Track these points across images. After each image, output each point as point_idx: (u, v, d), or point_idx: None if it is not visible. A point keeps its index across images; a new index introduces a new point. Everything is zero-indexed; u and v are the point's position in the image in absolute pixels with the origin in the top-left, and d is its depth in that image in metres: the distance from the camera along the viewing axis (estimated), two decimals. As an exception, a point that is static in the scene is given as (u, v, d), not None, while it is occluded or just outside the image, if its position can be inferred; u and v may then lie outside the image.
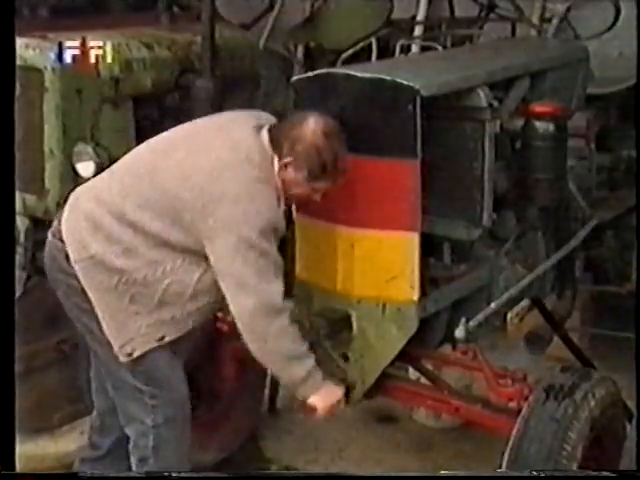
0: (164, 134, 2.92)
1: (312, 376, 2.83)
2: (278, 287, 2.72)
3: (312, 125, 2.72)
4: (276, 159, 2.75)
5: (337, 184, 2.79)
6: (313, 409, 2.90)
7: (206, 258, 2.73)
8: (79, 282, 2.78)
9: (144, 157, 2.88)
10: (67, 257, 2.80)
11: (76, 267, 2.78)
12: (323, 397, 2.87)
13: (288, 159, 2.73)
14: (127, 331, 2.77)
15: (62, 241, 2.83)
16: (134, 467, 2.95)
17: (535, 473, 2.67)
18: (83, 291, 2.79)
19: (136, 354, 2.79)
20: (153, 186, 2.75)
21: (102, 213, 2.78)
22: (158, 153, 2.84)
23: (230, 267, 2.69)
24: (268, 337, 2.74)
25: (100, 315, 2.78)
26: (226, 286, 2.72)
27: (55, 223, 2.91)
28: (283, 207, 2.77)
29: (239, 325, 2.75)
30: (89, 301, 2.78)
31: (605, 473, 2.78)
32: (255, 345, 2.77)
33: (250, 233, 2.65)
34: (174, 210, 2.71)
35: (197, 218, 2.68)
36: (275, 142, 2.76)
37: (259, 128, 2.80)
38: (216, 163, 2.71)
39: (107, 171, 2.96)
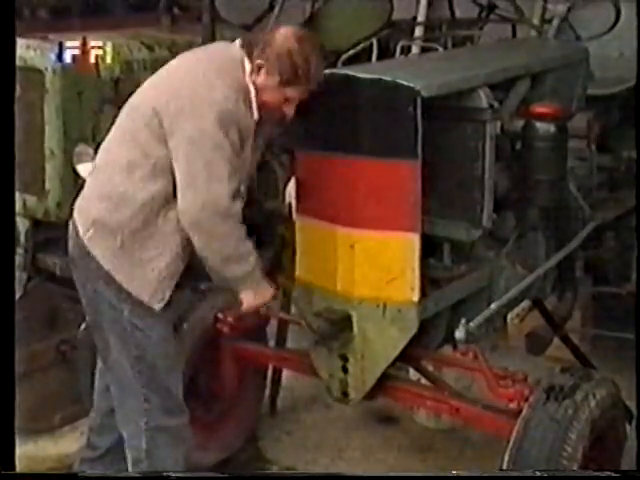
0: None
1: (249, 276, 2.82)
2: (228, 188, 2.68)
3: (284, 30, 2.78)
4: (247, 61, 2.77)
5: (308, 92, 2.79)
6: (239, 303, 2.91)
7: None
8: (93, 258, 2.79)
9: (130, 100, 2.93)
10: (78, 235, 2.84)
11: (85, 240, 2.81)
12: (253, 295, 2.87)
13: (259, 61, 2.75)
14: (149, 281, 2.78)
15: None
16: (130, 467, 2.95)
17: (539, 473, 2.67)
18: (99, 268, 2.79)
19: (167, 296, 2.80)
20: (132, 108, 2.84)
21: (95, 177, 2.87)
22: (143, 90, 2.90)
23: (182, 159, 2.69)
24: (211, 237, 2.72)
25: (119, 278, 2.78)
26: (178, 180, 2.70)
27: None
28: (256, 114, 2.77)
29: (183, 220, 2.72)
30: (109, 277, 2.78)
31: (606, 473, 2.77)
32: (198, 241, 2.74)
33: (204, 121, 2.66)
34: (149, 120, 2.73)
35: (164, 119, 2.71)
36: (247, 46, 2.79)
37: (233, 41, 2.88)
38: (182, 65, 2.84)
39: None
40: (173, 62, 2.94)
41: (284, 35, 2.76)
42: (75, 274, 2.92)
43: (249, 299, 2.87)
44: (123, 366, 2.86)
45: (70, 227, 2.91)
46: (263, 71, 2.75)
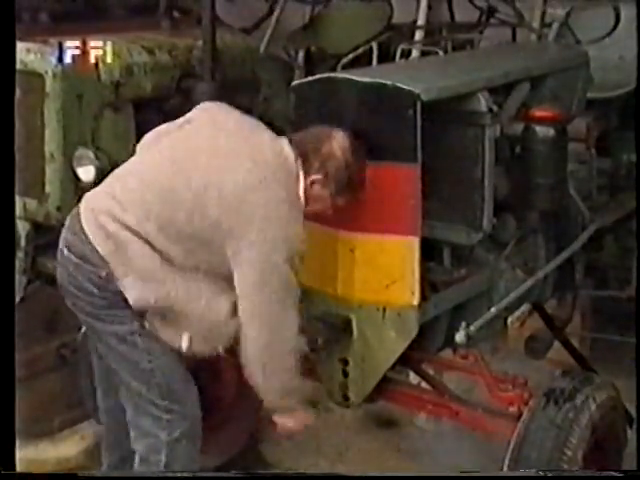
0: (182, 136, 2.80)
1: (295, 405, 2.84)
2: (294, 319, 2.68)
3: (341, 141, 2.72)
4: (302, 175, 2.70)
5: (357, 198, 2.79)
6: (275, 424, 2.91)
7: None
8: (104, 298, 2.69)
9: (164, 170, 2.72)
10: (89, 276, 2.69)
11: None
12: (291, 420, 2.88)
13: (318, 177, 2.70)
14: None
15: (81, 258, 2.71)
16: None
17: (542, 473, 2.67)
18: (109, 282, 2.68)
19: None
20: (175, 207, 2.64)
21: (126, 236, 2.66)
22: (179, 165, 2.70)
23: (251, 292, 2.63)
24: (271, 373, 2.71)
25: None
26: (243, 309, 2.66)
27: (68, 236, 2.79)
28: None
29: (246, 352, 2.69)
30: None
31: (606, 473, 2.78)
32: (255, 375, 2.72)
33: (277, 259, 2.60)
34: (200, 232, 2.62)
35: (224, 240, 2.61)
36: (303, 158, 2.71)
37: (276, 140, 2.74)
38: (243, 183, 2.61)
39: (117, 177, 2.82)
40: (213, 147, 2.70)
41: (343, 147, 2.71)
42: (69, 300, 2.82)
43: (286, 423, 2.88)
44: (132, 383, 2.80)
45: (70, 259, 2.74)
46: (318, 185, 2.72)
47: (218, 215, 2.60)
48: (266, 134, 2.78)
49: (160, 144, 2.82)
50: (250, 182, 2.62)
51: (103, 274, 2.67)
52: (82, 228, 2.73)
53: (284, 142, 2.73)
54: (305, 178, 2.71)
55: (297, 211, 2.67)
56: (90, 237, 2.70)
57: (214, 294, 2.69)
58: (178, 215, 2.63)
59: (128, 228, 2.66)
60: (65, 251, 2.78)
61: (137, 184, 2.73)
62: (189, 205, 2.63)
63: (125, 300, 2.68)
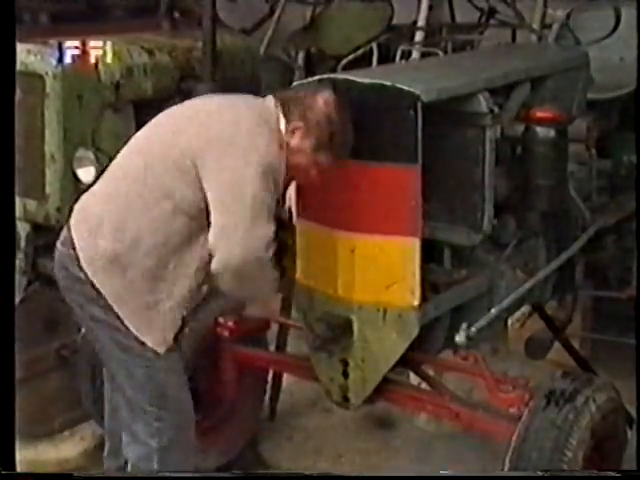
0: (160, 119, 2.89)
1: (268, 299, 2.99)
2: (267, 237, 2.67)
3: (326, 95, 2.75)
4: (283, 121, 2.74)
5: (338, 161, 2.78)
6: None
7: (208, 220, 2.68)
8: (94, 288, 2.71)
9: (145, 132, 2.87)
10: (79, 264, 2.74)
11: (89, 271, 2.72)
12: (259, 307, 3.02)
13: (298, 124, 2.73)
14: (156, 323, 2.72)
15: (74, 249, 2.76)
16: None
17: (540, 473, 2.67)
18: (100, 297, 2.71)
19: (171, 337, 2.75)
20: (151, 141, 2.78)
21: (106, 209, 2.75)
22: (159, 128, 2.84)
23: (223, 205, 2.64)
24: (246, 284, 2.71)
25: (123, 315, 2.71)
26: (217, 225, 2.64)
27: (64, 233, 2.84)
28: (284, 166, 2.73)
29: (218, 265, 2.65)
30: (109, 307, 2.71)
31: (606, 473, 2.77)
32: (228, 284, 2.72)
33: (248, 170, 2.62)
34: (179, 161, 2.66)
35: (197, 160, 2.65)
36: (284, 106, 2.76)
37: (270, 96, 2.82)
38: (216, 107, 2.77)
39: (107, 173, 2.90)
40: (199, 103, 2.87)
41: (326, 101, 2.73)
42: (67, 296, 2.83)
43: (253, 309, 2.96)
44: (128, 390, 2.80)
45: (65, 253, 2.79)
46: (299, 133, 2.73)
47: (189, 139, 2.67)
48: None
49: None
50: (222, 105, 2.77)
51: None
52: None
53: (268, 96, 2.82)
54: (287, 124, 2.74)
55: (273, 135, 2.70)
56: (76, 221, 2.79)
57: (190, 236, 2.71)
58: (162, 164, 2.69)
59: (107, 200, 2.77)
60: (59, 246, 2.84)
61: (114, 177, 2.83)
62: (165, 136, 2.74)
63: None
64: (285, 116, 2.75)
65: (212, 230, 2.66)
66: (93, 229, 2.75)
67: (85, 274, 2.73)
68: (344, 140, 2.77)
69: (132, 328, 2.71)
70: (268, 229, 2.67)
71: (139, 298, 2.71)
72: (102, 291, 2.71)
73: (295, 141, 2.74)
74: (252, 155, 2.64)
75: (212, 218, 2.66)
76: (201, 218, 2.68)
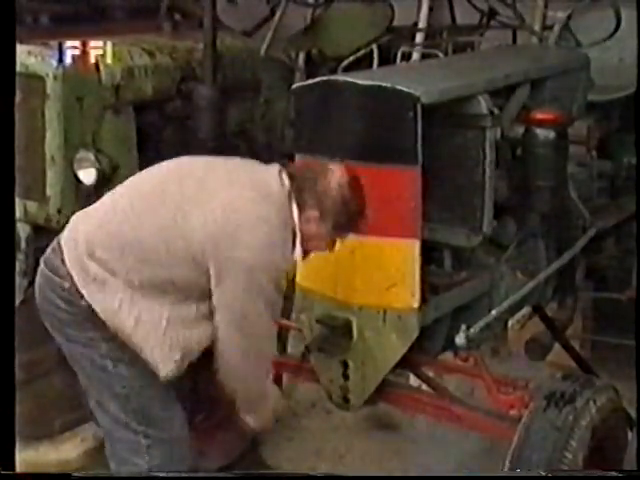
0: (171, 165, 2.75)
1: (267, 409, 2.90)
2: (272, 330, 2.72)
3: (338, 178, 2.63)
4: (296, 209, 2.62)
5: (356, 230, 2.74)
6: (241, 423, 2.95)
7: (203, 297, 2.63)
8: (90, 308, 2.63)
9: (149, 209, 2.66)
10: (71, 282, 2.64)
11: (84, 291, 2.62)
12: (260, 417, 2.93)
13: (314, 213, 2.63)
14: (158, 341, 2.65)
15: (52, 271, 2.67)
16: None
17: (543, 473, 2.67)
18: (95, 317, 2.63)
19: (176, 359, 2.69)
20: (157, 239, 2.59)
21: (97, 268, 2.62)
22: (169, 183, 2.67)
23: (233, 306, 2.60)
24: (249, 381, 2.75)
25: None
26: (222, 319, 2.62)
27: (48, 252, 2.74)
28: (298, 259, 2.68)
29: (221, 361, 2.69)
30: (105, 328, 2.63)
31: (606, 473, 2.77)
32: (232, 384, 2.74)
33: (263, 281, 2.56)
34: (184, 245, 2.56)
35: (210, 252, 2.55)
36: (297, 192, 2.63)
37: (279, 172, 2.67)
38: (230, 205, 2.57)
39: (110, 197, 2.78)
40: (201, 178, 2.64)
41: (339, 184, 2.62)
42: (46, 316, 2.72)
43: (255, 422, 2.93)
44: (109, 407, 2.71)
45: (50, 278, 2.67)
46: (314, 221, 2.63)
47: (203, 236, 2.54)
48: (257, 165, 2.74)
49: (153, 181, 2.74)
50: (238, 204, 2.57)
51: (66, 285, 2.63)
52: (59, 243, 2.71)
53: (275, 170, 2.67)
54: (300, 213, 2.63)
55: (288, 236, 2.61)
56: (64, 250, 2.67)
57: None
58: (158, 246, 2.57)
59: (99, 261, 2.62)
60: (42, 265, 2.75)
61: (118, 219, 2.67)
62: (177, 217, 2.56)
63: (92, 320, 2.63)
64: (298, 203, 2.62)
65: (219, 322, 2.63)
66: (84, 251, 2.64)
67: (76, 290, 2.63)
68: (362, 217, 2.69)
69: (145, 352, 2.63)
70: (272, 327, 2.71)
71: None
72: (96, 309, 2.62)
73: (311, 229, 2.64)
74: (269, 267, 2.56)
75: (218, 309, 2.61)
76: (204, 295, 2.63)
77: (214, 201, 2.57)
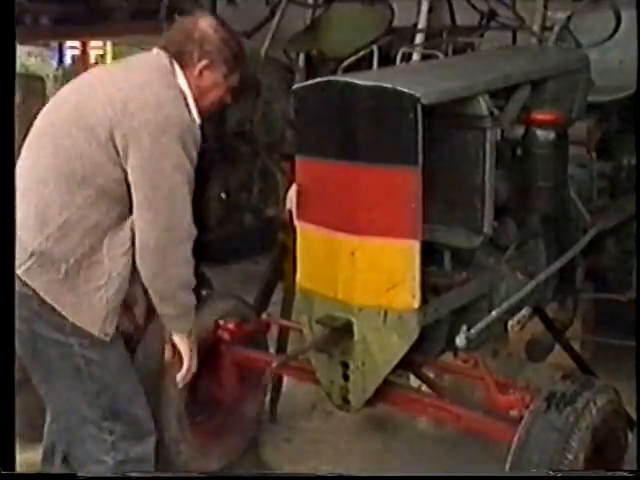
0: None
1: (192, 311, 2.77)
2: (190, 210, 2.65)
3: (209, 22, 2.76)
4: (179, 70, 2.72)
5: (243, 75, 2.82)
6: (174, 352, 2.84)
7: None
8: (31, 295, 2.63)
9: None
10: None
11: (20, 274, 2.63)
12: (187, 339, 2.82)
13: (203, 62, 2.72)
14: (98, 312, 2.64)
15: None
16: None
17: (543, 474, 2.66)
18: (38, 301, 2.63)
19: (115, 323, 2.68)
20: (56, 121, 2.71)
21: (23, 202, 2.65)
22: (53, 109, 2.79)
23: (143, 180, 2.60)
24: (170, 263, 2.64)
25: (65, 312, 2.62)
26: (138, 201, 2.61)
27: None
28: (198, 120, 2.71)
29: (140, 245, 2.62)
30: (51, 309, 2.63)
31: (608, 473, 2.77)
32: (152, 267, 2.65)
33: (164, 140, 2.58)
34: (97, 138, 2.60)
35: (117, 137, 2.59)
36: (178, 54, 2.73)
37: (156, 49, 2.79)
38: (117, 77, 2.72)
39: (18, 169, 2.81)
40: (95, 73, 2.87)
41: (211, 26, 2.76)
42: (21, 325, 2.68)
43: (184, 343, 2.81)
44: (77, 405, 2.72)
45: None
46: (207, 71, 2.74)
47: (102, 107, 2.61)
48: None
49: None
50: (121, 82, 2.67)
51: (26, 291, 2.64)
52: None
53: (153, 51, 2.78)
54: (187, 71, 2.72)
55: (178, 96, 2.67)
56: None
57: (117, 215, 2.66)
58: (79, 144, 2.62)
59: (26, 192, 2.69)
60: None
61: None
62: (96, 130, 2.62)
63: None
64: (181, 64, 2.72)
65: (135, 208, 2.63)
66: (18, 228, 2.64)
67: (23, 282, 2.63)
68: (244, 52, 2.81)
69: (74, 320, 2.63)
70: (189, 207, 2.65)
71: (76, 288, 2.62)
72: (37, 290, 2.62)
73: (206, 79, 2.74)
74: (165, 123, 2.59)
75: (133, 194, 2.62)
76: (125, 199, 2.64)
77: (103, 89, 2.68)
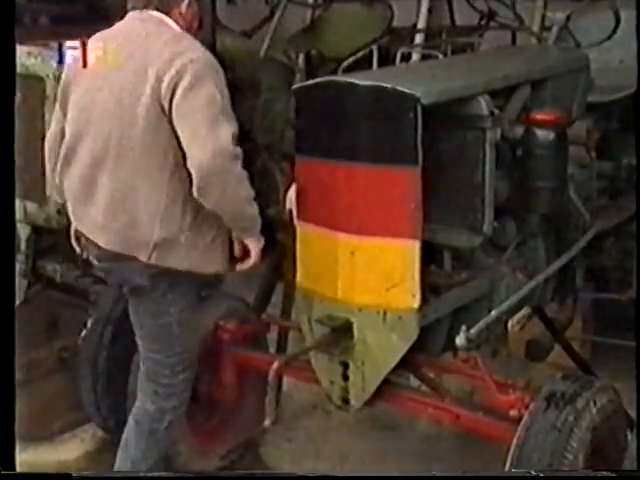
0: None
1: (258, 219, 2.95)
2: (229, 132, 2.78)
3: None
4: (169, 21, 2.92)
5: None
6: (246, 254, 3.02)
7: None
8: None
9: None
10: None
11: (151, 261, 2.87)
12: (258, 241, 3.00)
13: (185, 1, 2.94)
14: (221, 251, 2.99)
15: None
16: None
17: (534, 473, 2.67)
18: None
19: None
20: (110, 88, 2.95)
21: (114, 204, 2.89)
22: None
23: (182, 118, 2.77)
24: (228, 183, 2.79)
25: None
26: (185, 141, 2.78)
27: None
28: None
29: (197, 178, 2.77)
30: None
31: (605, 473, 2.77)
32: (214, 194, 2.80)
33: (189, 76, 2.75)
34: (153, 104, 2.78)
35: (162, 92, 2.77)
36: (160, 6, 2.93)
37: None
38: (134, 35, 2.95)
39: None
40: (115, 33, 3.06)
41: None
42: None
43: (256, 245, 2.99)
44: (156, 351, 3.01)
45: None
46: (189, 6, 2.95)
47: (150, 76, 2.79)
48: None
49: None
50: (153, 37, 2.88)
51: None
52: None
53: (135, 15, 3.00)
54: (173, 15, 2.93)
55: (185, 35, 2.92)
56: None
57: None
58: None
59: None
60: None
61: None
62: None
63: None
64: (168, 12, 2.92)
65: (185, 148, 2.78)
66: (122, 227, 2.87)
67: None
68: None
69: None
70: (229, 127, 2.78)
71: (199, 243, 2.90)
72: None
73: (190, 14, 2.96)
74: (189, 63, 2.78)
75: (181, 138, 2.78)
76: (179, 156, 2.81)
77: (142, 49, 2.88)
